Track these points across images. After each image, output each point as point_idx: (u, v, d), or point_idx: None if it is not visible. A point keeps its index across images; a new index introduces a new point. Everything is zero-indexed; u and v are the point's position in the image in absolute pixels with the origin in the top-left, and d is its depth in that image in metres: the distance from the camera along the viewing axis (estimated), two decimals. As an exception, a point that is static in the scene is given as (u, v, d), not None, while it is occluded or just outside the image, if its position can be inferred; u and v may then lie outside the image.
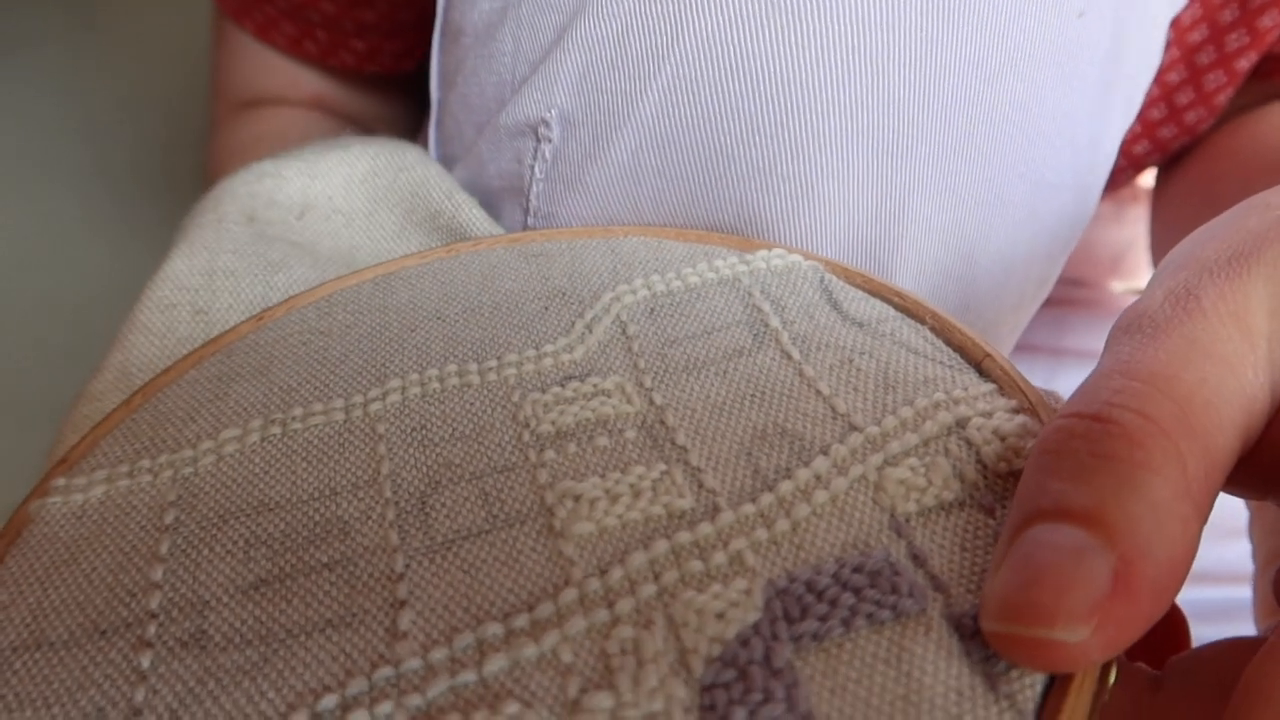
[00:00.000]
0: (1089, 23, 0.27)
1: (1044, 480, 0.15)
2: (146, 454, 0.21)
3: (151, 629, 0.17)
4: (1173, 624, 0.19)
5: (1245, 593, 0.36)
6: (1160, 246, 0.44)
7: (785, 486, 0.18)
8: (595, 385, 0.21)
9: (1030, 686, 0.14)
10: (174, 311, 0.27)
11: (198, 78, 0.48)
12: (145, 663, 0.16)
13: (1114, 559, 0.14)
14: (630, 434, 0.20)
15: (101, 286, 0.44)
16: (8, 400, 0.49)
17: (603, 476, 0.19)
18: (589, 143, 0.27)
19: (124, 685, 0.16)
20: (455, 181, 0.31)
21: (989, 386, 0.20)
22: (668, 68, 0.26)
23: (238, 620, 0.17)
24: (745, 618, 0.16)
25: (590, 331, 0.23)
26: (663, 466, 0.19)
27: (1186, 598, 0.17)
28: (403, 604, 0.17)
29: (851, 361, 0.21)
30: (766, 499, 0.18)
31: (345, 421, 0.21)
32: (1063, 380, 0.44)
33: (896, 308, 0.23)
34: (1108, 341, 0.17)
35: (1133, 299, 0.20)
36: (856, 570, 0.16)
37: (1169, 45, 0.35)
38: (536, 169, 0.29)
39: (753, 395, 0.20)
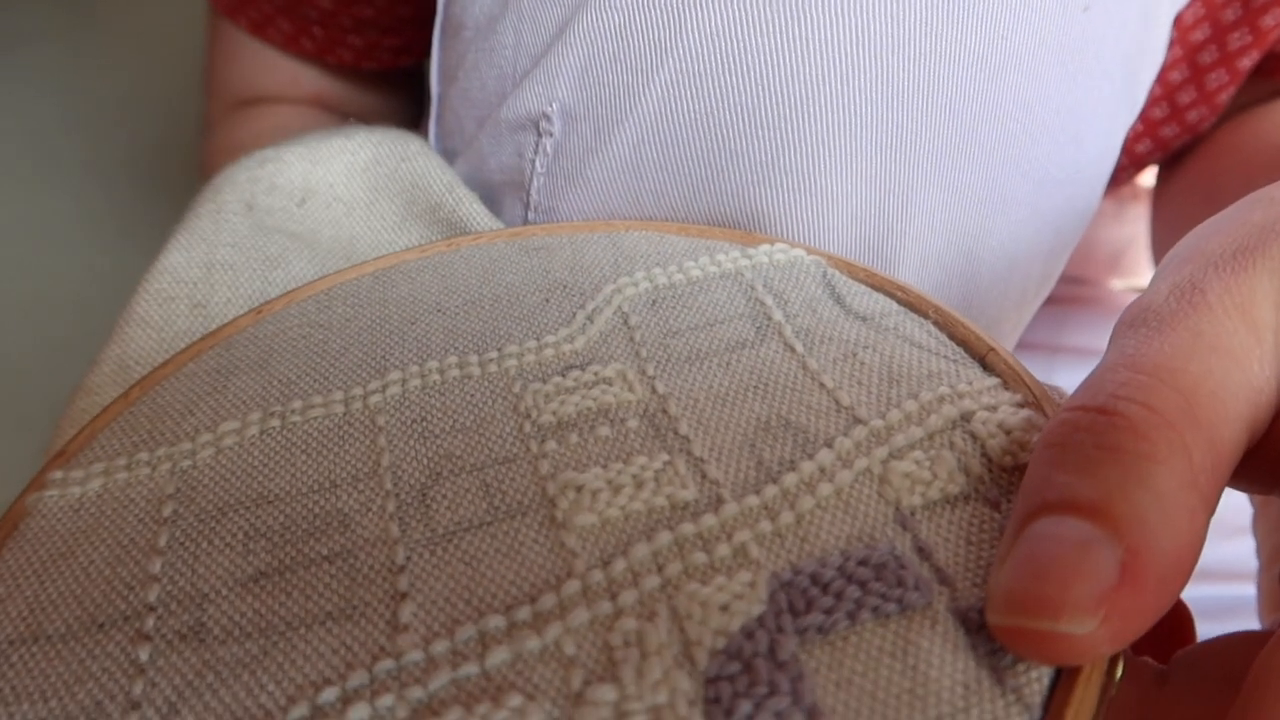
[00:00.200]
0: (1094, 18, 0.27)
1: (1049, 473, 0.15)
2: (144, 447, 0.21)
3: (150, 622, 0.17)
4: (1178, 618, 0.19)
5: (1248, 590, 0.36)
6: (1161, 244, 0.44)
7: (789, 479, 0.18)
8: (596, 373, 0.21)
9: (1037, 680, 0.14)
10: (172, 305, 0.27)
11: (197, 76, 0.48)
12: (144, 656, 0.16)
13: (1121, 550, 0.14)
14: (632, 423, 0.19)
15: (99, 283, 0.44)
16: (4, 398, 0.49)
17: (605, 467, 0.18)
18: (590, 137, 0.27)
19: (122, 678, 0.16)
20: (456, 175, 0.30)
21: (993, 380, 0.19)
22: (670, 62, 0.25)
23: (237, 613, 0.17)
24: (750, 610, 0.15)
25: (591, 322, 0.22)
26: (665, 457, 0.19)
27: (1188, 595, 0.17)
28: (404, 596, 0.17)
29: (855, 355, 0.21)
30: (770, 491, 0.17)
31: (345, 414, 0.21)
32: (1059, 378, 0.44)
33: (900, 302, 0.22)
34: (1112, 336, 0.17)
35: (1132, 297, 0.20)
36: (862, 563, 0.16)
37: (1171, 44, 0.35)
38: (537, 163, 0.28)
39: (756, 387, 0.20)
